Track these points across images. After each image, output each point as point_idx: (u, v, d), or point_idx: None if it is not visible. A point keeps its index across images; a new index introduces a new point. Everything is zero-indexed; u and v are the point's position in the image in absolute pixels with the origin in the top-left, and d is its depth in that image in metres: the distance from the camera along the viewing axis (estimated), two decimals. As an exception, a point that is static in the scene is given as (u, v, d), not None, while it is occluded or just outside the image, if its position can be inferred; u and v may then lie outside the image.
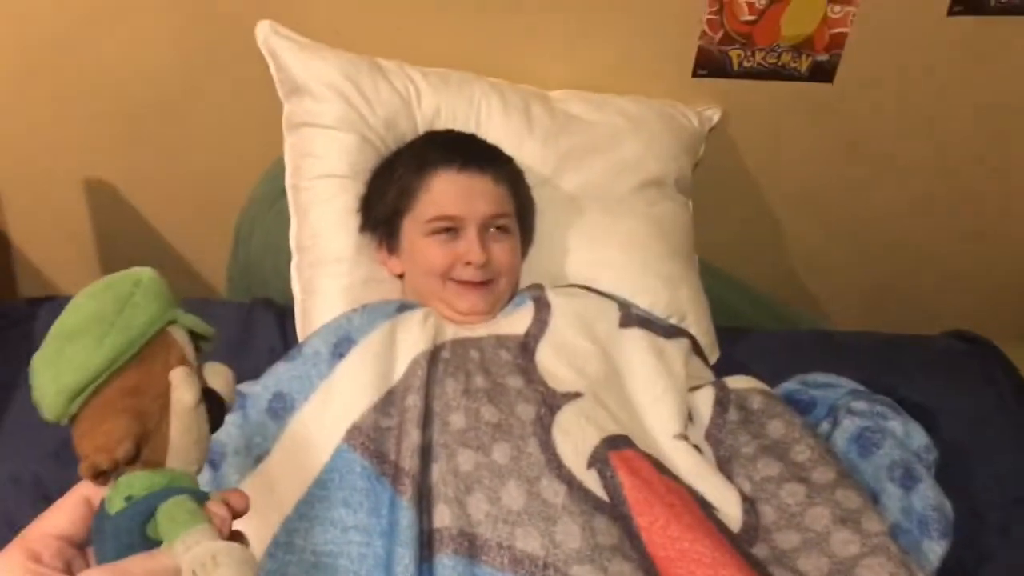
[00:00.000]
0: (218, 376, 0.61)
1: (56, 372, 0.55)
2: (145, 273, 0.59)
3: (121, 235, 1.77)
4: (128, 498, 0.54)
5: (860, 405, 1.25)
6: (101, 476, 0.55)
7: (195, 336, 0.61)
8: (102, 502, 0.55)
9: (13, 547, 0.53)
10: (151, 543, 0.52)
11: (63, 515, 0.56)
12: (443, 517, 1.01)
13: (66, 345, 0.56)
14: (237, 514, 0.57)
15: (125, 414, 0.55)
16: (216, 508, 0.55)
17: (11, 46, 1.52)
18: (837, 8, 1.54)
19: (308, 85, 1.42)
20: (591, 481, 1.05)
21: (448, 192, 1.28)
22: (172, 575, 0.50)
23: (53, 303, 1.49)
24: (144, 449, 0.55)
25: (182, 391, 0.56)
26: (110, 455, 0.54)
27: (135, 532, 0.53)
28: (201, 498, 0.55)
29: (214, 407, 0.59)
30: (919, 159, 1.76)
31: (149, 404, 0.55)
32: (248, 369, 1.26)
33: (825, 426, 1.27)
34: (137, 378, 0.56)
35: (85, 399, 0.55)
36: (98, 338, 0.55)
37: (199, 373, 0.60)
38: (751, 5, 1.54)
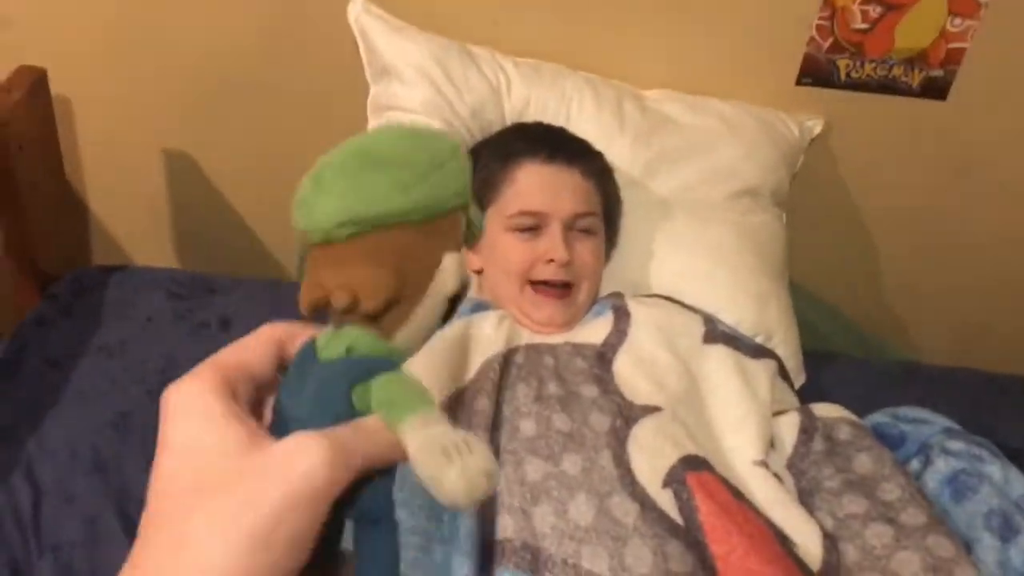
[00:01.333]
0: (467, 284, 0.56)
1: (346, 192, 0.49)
2: (460, 148, 0.54)
3: (196, 209, 1.76)
4: (349, 349, 0.48)
5: (956, 445, 1.18)
6: (319, 314, 0.49)
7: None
8: (312, 342, 0.49)
9: (208, 372, 0.43)
10: (352, 410, 0.45)
11: (253, 353, 0.47)
12: (506, 528, 0.96)
13: (369, 170, 0.50)
14: None
15: (390, 270, 0.49)
16: None
17: (97, 14, 1.51)
18: (957, 21, 1.46)
19: (397, 67, 1.38)
20: (666, 502, 0.99)
21: (533, 185, 1.24)
22: (397, 452, 0.42)
23: (125, 272, 1.48)
24: (385, 314, 0.49)
25: (449, 276, 0.51)
26: (354, 298, 0.48)
27: (342, 388, 0.46)
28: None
29: (450, 309, 0.54)
30: (1030, 188, 1.66)
31: (415, 273, 0.50)
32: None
33: (915, 464, 1.20)
34: (417, 243, 0.50)
35: (357, 232, 0.49)
36: (404, 183, 0.50)
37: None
38: (865, 13, 1.46)
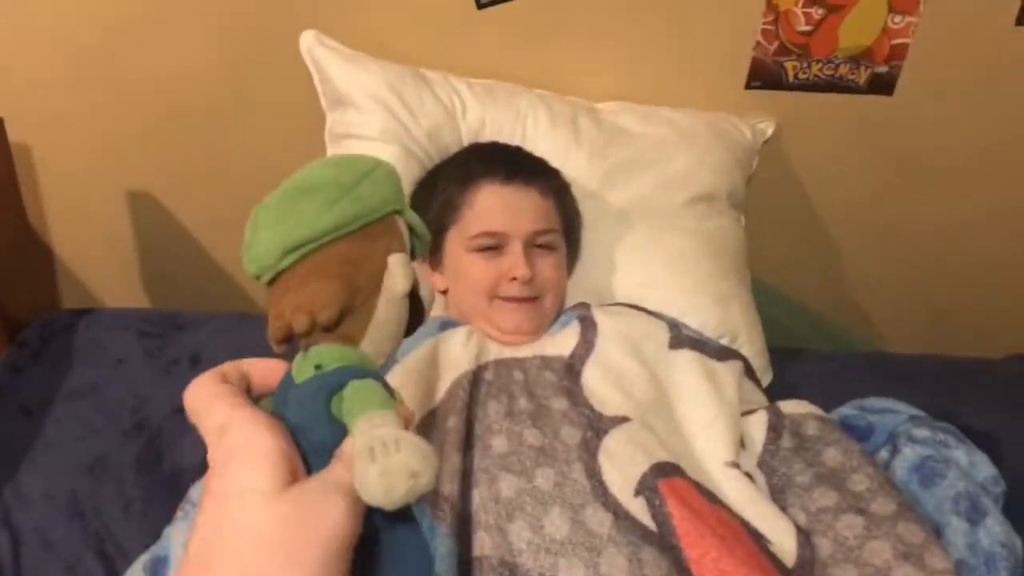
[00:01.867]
0: (417, 283, 0.59)
1: (279, 223, 0.54)
2: (384, 160, 0.59)
3: (163, 247, 1.76)
4: (318, 367, 0.50)
5: (922, 432, 1.19)
6: (287, 342, 0.52)
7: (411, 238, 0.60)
8: (287, 372, 0.52)
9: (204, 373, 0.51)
10: (334, 422, 0.48)
11: (256, 365, 0.52)
12: (483, 545, 0.97)
13: (296, 200, 0.54)
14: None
15: (336, 280, 0.53)
16: (403, 407, 0.50)
17: (55, 57, 1.52)
18: (898, 18, 1.49)
19: (351, 96, 1.40)
20: (638, 510, 1.01)
21: (493, 207, 1.25)
22: (343, 491, 0.45)
23: (94, 314, 1.49)
24: (343, 323, 0.52)
25: (398, 276, 0.54)
26: (310, 316, 0.51)
27: (320, 403, 0.48)
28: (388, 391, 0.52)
29: (414, 310, 0.57)
30: (982, 175, 1.70)
31: (363, 279, 0.53)
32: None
33: (884, 454, 1.22)
34: (358, 251, 0.54)
35: (299, 257, 0.53)
36: (331, 201, 0.53)
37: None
38: (808, 15, 1.49)
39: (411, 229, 0.59)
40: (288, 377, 0.51)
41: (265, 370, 0.52)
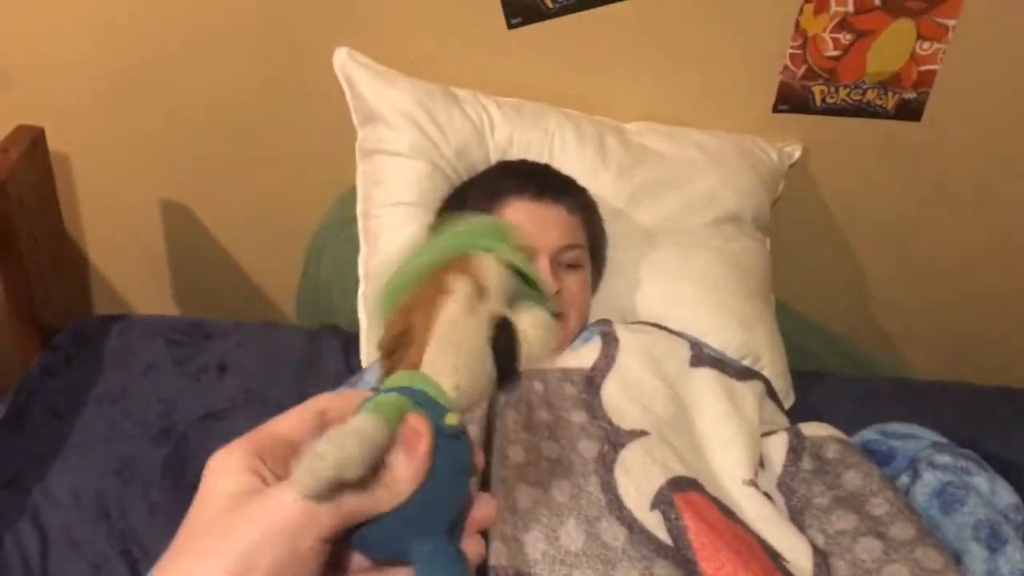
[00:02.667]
0: (533, 323, 0.55)
1: (389, 276, 0.56)
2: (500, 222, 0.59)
3: (194, 257, 1.80)
4: (375, 390, 0.51)
5: (943, 459, 1.19)
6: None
7: (527, 282, 0.58)
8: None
9: (240, 442, 0.49)
10: None
11: (294, 420, 0.51)
12: (499, 556, 0.97)
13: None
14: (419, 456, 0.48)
15: (401, 312, 0.54)
16: (415, 423, 0.47)
17: (94, 71, 1.55)
18: (926, 45, 1.50)
19: (382, 112, 1.42)
20: (653, 523, 1.01)
21: (521, 222, 1.26)
22: (380, 503, 0.45)
23: (125, 321, 1.51)
24: (410, 349, 0.52)
25: (449, 297, 0.53)
26: (379, 346, 0.53)
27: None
28: (432, 409, 0.49)
29: (506, 346, 0.53)
30: (1009, 201, 1.69)
31: (425, 304, 0.53)
32: (313, 394, 1.24)
33: (904, 479, 1.21)
34: (434, 283, 0.54)
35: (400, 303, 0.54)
36: (430, 248, 0.55)
37: (503, 309, 0.55)
38: (836, 40, 1.50)
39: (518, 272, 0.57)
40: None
41: (346, 407, 0.52)
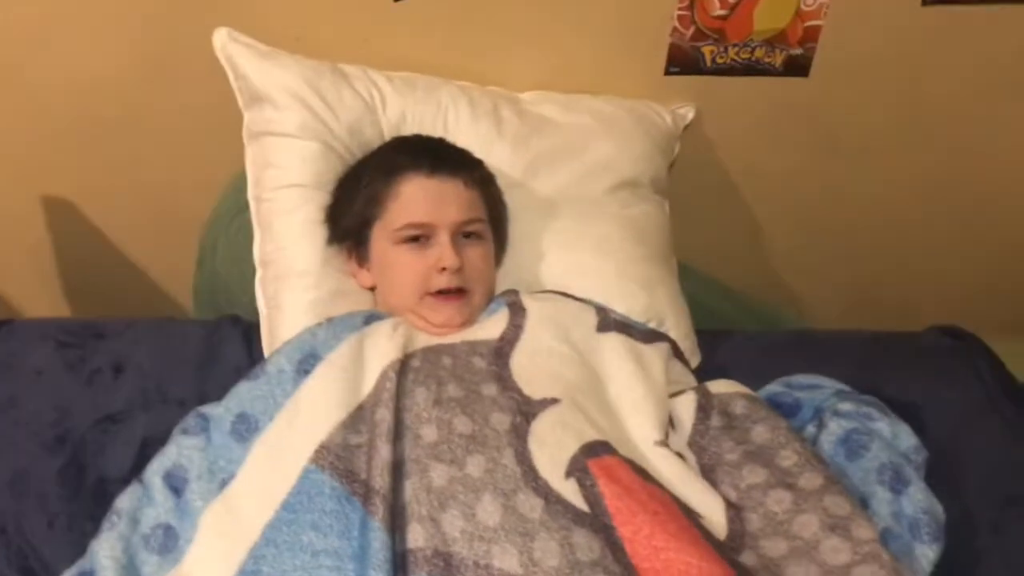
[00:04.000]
0: None
1: None
2: None
3: (82, 254, 1.73)
4: None
5: (846, 406, 1.22)
6: None
7: None
8: None
9: None
10: None
11: None
12: (417, 537, 0.97)
13: None
14: None
15: None
16: None
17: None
18: (810, 0, 1.51)
19: (268, 93, 1.38)
20: (570, 492, 1.01)
21: (418, 198, 1.25)
22: None
23: (10, 326, 1.44)
24: None
25: None
26: None
27: None
28: None
29: None
30: (897, 152, 1.73)
31: None
32: (214, 389, 1.22)
33: (811, 429, 1.24)
34: None
35: None
36: None
37: None
38: (722, 0, 1.50)
39: None
40: None
41: None
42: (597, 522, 0.99)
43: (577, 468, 1.03)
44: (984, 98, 1.66)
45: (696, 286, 1.58)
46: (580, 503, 1.00)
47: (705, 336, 1.48)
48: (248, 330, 1.43)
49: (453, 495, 0.99)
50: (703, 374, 1.35)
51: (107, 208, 1.68)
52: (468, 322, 1.27)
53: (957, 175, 1.78)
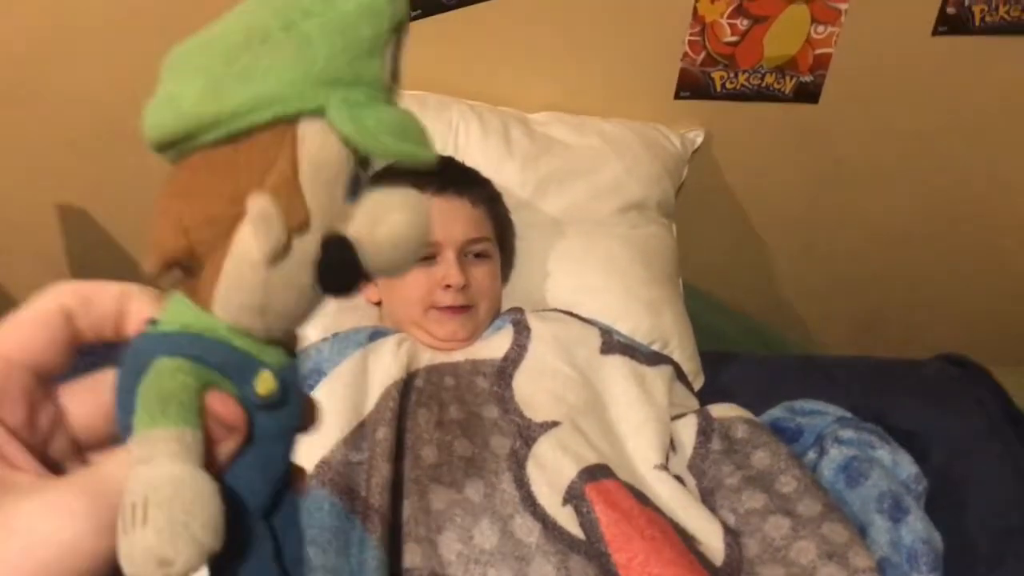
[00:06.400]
0: (378, 217, 0.35)
1: (165, 96, 0.36)
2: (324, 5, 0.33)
3: (95, 261, 1.74)
4: (154, 322, 0.35)
5: (847, 433, 1.22)
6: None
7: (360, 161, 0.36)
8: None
9: None
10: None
11: (27, 334, 0.35)
12: (413, 557, 0.97)
13: (195, 55, 0.35)
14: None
15: (173, 216, 0.34)
16: (217, 404, 0.33)
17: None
18: (821, 28, 1.52)
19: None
20: (566, 519, 1.02)
21: (425, 216, 1.25)
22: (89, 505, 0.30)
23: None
24: (201, 272, 0.34)
25: (248, 235, 0.33)
26: (150, 260, 0.35)
27: (137, 373, 0.33)
28: (237, 370, 0.34)
29: (337, 262, 0.34)
30: (905, 180, 1.74)
31: (212, 222, 0.33)
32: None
33: (812, 455, 1.24)
34: (228, 165, 0.33)
35: (178, 155, 0.35)
36: (218, 77, 0.33)
37: (331, 214, 0.34)
38: (733, 26, 1.51)
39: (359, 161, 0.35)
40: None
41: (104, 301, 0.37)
42: (593, 549, 0.99)
43: (574, 496, 1.03)
44: (992, 127, 1.66)
45: (701, 308, 1.58)
46: (576, 530, 1.01)
47: (709, 358, 1.49)
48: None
49: (451, 518, 1.00)
50: (706, 396, 1.36)
51: (119, 216, 1.70)
52: (472, 337, 1.27)
53: (965, 203, 1.78)
